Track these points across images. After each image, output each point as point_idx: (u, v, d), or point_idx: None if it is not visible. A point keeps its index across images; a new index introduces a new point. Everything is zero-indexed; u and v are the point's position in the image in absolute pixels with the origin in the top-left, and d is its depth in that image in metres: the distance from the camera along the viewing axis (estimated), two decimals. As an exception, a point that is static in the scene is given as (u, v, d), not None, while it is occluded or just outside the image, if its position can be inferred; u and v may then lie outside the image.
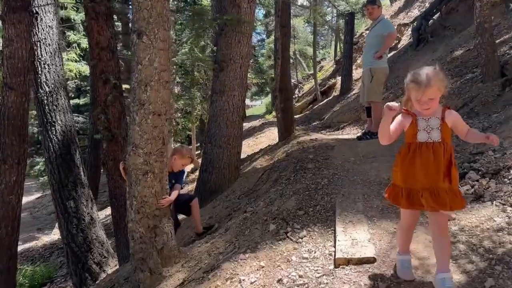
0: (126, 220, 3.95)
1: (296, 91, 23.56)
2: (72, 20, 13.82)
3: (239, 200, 5.08)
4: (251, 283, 2.86)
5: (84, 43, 12.92)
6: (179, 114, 14.92)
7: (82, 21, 11.19)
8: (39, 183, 14.95)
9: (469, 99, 5.82)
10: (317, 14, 14.62)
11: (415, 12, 15.82)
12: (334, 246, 3.02)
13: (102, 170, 14.31)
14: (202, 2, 13.57)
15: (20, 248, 12.12)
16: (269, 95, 28.71)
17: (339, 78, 16.85)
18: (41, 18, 6.95)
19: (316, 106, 17.20)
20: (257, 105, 41.90)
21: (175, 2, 12.31)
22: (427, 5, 14.49)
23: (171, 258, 3.75)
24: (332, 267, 2.82)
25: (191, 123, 15.08)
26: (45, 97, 6.88)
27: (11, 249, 5.30)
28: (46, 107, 6.89)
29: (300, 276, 2.78)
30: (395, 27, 14.99)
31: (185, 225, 5.33)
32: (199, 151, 15.47)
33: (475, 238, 2.84)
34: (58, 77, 7.09)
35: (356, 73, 15.61)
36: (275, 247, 3.27)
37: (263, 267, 3.01)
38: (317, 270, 2.82)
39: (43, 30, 6.93)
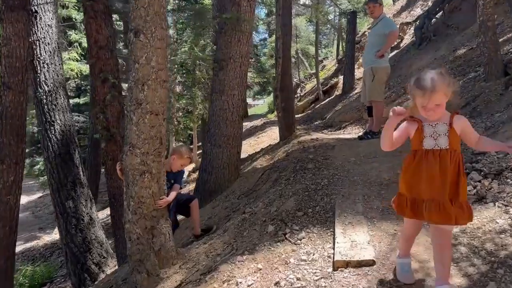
0: (123, 221, 3.91)
1: (298, 90, 23.49)
2: (74, 19, 13.81)
3: (238, 200, 5.03)
4: (248, 285, 2.81)
5: (85, 42, 12.89)
6: (181, 114, 14.89)
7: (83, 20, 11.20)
8: (39, 182, 14.96)
9: (472, 98, 5.75)
10: (318, 13, 14.55)
11: (417, 10, 15.74)
12: (333, 248, 2.97)
13: (102, 170, 14.29)
14: (204, 1, 13.51)
15: (21, 247, 12.17)
16: (271, 95, 28.63)
17: (341, 77, 16.77)
18: (41, 17, 6.91)
19: (318, 105, 17.14)
20: (259, 105, 41.87)
21: (176, 1, 12.27)
22: (430, 3, 14.40)
23: (168, 260, 3.71)
24: (330, 269, 2.76)
25: (193, 123, 15.03)
26: (44, 97, 6.84)
27: (8, 250, 5.26)
28: (45, 106, 6.85)
29: (298, 279, 2.73)
30: (398, 26, 14.99)
31: (184, 225, 5.29)
32: (200, 151, 15.44)
33: (476, 240, 2.78)
34: (58, 76, 7.05)
35: (358, 72, 15.53)
36: (273, 248, 3.22)
37: (260, 269, 2.96)
38: (315, 272, 2.77)
39: (43, 29, 6.89)
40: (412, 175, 2.26)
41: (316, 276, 2.73)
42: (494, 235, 2.79)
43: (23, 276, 8.26)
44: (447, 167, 2.14)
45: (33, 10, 6.79)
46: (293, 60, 23.76)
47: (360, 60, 15.74)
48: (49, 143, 6.80)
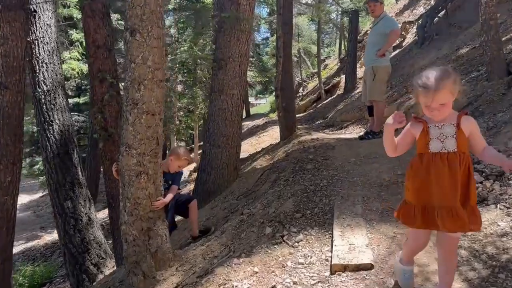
0: (119, 223, 3.87)
1: (300, 90, 23.43)
2: (75, 19, 13.75)
3: (237, 201, 4.98)
4: (244, 289, 2.76)
5: (86, 41, 12.85)
6: (182, 113, 14.86)
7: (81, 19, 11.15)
8: (39, 182, 14.96)
9: (474, 98, 5.67)
10: (320, 12, 14.48)
11: (420, 9, 15.64)
12: (331, 251, 2.92)
13: (102, 169, 14.27)
14: (205, 0, 13.46)
15: (22, 247, 12.18)
16: (273, 94, 28.56)
17: (343, 77, 16.69)
18: (39, 16, 6.85)
19: (320, 104, 17.06)
20: (262, 104, 41.82)
21: (177, 0, 12.21)
22: (432, 2, 14.30)
23: (165, 262, 3.67)
24: (328, 273, 2.72)
25: (194, 122, 15.00)
26: (42, 96, 6.79)
27: (6, 251, 5.23)
28: (44, 106, 6.80)
29: (295, 283, 2.68)
30: (400, 25, 14.92)
31: (183, 226, 5.24)
32: (201, 150, 15.42)
33: (477, 244, 2.73)
34: (56, 75, 7.00)
35: (361, 71, 15.43)
36: (270, 251, 3.17)
37: (256, 272, 2.91)
38: (312, 276, 2.72)
39: (41, 28, 6.84)
40: (421, 181, 2.09)
41: (313, 280, 2.68)
42: (496, 238, 2.73)
43: (22, 276, 8.24)
44: (456, 171, 2.00)
45: (32, 9, 6.74)
46: (295, 59, 23.70)
47: (362, 59, 15.68)
48: (47, 143, 6.76)
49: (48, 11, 7.04)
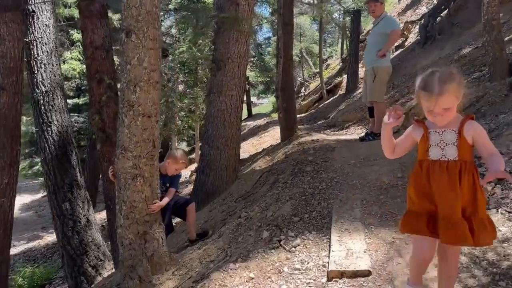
0: (115, 226, 3.83)
1: (302, 89, 23.36)
2: (76, 19, 13.73)
3: (235, 203, 4.93)
4: (239, 296, 2.72)
5: (88, 41, 12.81)
6: (183, 113, 14.81)
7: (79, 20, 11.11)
8: (39, 183, 14.96)
9: (476, 99, 5.61)
10: (321, 12, 14.40)
11: (423, 9, 15.54)
12: (328, 257, 2.87)
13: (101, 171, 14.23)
14: (206, 0, 13.41)
15: (23, 247, 12.17)
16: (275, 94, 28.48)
17: (345, 76, 16.62)
18: (38, 17, 6.81)
19: (322, 104, 16.98)
20: (264, 103, 41.74)
21: (178, 0, 12.17)
22: (435, 2, 14.21)
23: (161, 265, 3.63)
24: (324, 280, 2.66)
25: (195, 122, 14.95)
26: (41, 97, 6.75)
27: (3, 253, 5.20)
28: (42, 107, 6.76)
29: (291, 290, 2.63)
30: (402, 24, 14.85)
31: (181, 228, 5.20)
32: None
33: (478, 250, 2.66)
34: (55, 76, 6.96)
35: (363, 71, 15.31)
36: (267, 256, 3.12)
37: (252, 278, 2.87)
38: (308, 283, 2.67)
39: (40, 29, 6.80)
40: (423, 189, 1.96)
41: (309, 286, 2.63)
42: (497, 244, 2.67)
43: (22, 278, 8.22)
44: (456, 181, 1.86)
45: (30, 9, 6.70)
46: (297, 59, 23.62)
47: (363, 60, 15.60)
48: (46, 145, 6.72)
49: (47, 11, 7.00)
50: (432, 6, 13.72)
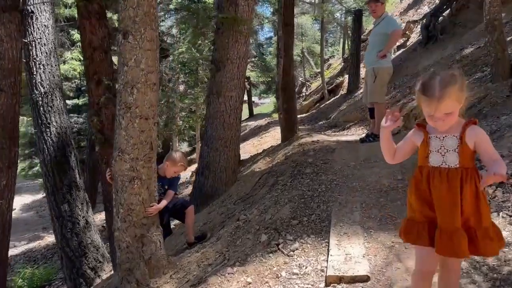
0: (112, 229, 3.80)
1: (304, 89, 23.33)
2: (76, 19, 13.72)
3: (234, 205, 4.89)
4: (236, 301, 2.68)
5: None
6: (184, 113, 14.79)
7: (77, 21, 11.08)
8: (40, 183, 14.98)
9: (477, 100, 5.56)
10: (323, 12, 14.36)
11: (424, 9, 15.49)
12: (327, 261, 2.83)
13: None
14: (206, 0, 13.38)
15: (24, 247, 12.17)
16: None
17: (347, 76, 16.57)
18: (37, 17, 6.79)
19: (323, 105, 16.96)
20: (266, 103, 41.74)
21: (179, 0, 12.12)
22: (437, 1, 14.15)
23: (159, 269, 3.60)
24: (322, 285, 2.63)
25: (196, 123, 14.94)
26: (40, 98, 6.73)
27: (1, 255, 5.17)
28: (41, 108, 6.74)
29: (288, 295, 2.59)
30: (404, 24, 14.79)
31: (180, 230, 5.17)
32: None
33: (478, 255, 2.62)
34: (54, 77, 6.93)
35: (364, 71, 15.31)
36: (265, 260, 3.08)
37: (250, 283, 2.83)
38: (306, 288, 2.63)
39: (39, 30, 6.77)
40: (423, 196, 1.88)
41: (307, 292, 2.59)
42: (497, 249, 2.62)
43: (22, 279, 8.22)
44: (456, 189, 1.78)
45: (29, 10, 6.68)
46: (298, 59, 23.59)
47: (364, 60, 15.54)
48: (44, 146, 6.69)
49: (46, 12, 6.98)
50: (434, 6, 13.66)
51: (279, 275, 2.84)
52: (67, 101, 15.13)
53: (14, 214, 16.45)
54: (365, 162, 4.74)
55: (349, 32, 19.64)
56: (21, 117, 15.26)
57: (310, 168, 4.78)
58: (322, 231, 3.32)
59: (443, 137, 1.83)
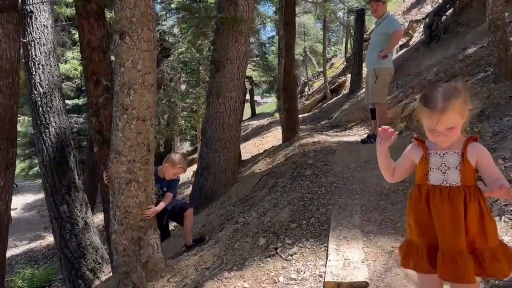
0: (109, 231, 3.76)
1: (306, 89, 23.27)
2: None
3: (234, 207, 4.85)
4: (232, 307, 2.63)
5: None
6: (185, 113, 14.76)
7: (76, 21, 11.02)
8: (39, 184, 14.99)
9: (480, 101, 5.49)
10: (325, 11, 14.29)
11: (428, 8, 15.41)
12: (325, 266, 2.77)
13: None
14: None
15: (25, 247, 12.17)
16: (278, 94, 28.31)
17: (349, 76, 16.51)
18: (36, 17, 6.75)
19: (326, 104, 16.91)
20: (268, 102, 41.73)
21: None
22: (440, 0, 14.06)
23: (156, 272, 3.56)
24: (320, 291, 2.57)
25: (197, 122, 14.91)
26: (39, 98, 6.69)
27: (-1, 257, 5.15)
28: (40, 108, 6.70)
29: (285, 301, 2.54)
30: (407, 24, 14.72)
31: (179, 232, 5.13)
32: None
33: (480, 261, 2.56)
34: (53, 77, 6.89)
35: (366, 71, 15.25)
36: (263, 264, 3.03)
37: (246, 288, 2.78)
38: (304, 294, 2.58)
39: (38, 30, 6.74)
40: (421, 217, 1.77)
41: (305, 298, 2.54)
42: (499, 255, 2.57)
43: (22, 279, 8.19)
44: (459, 208, 1.67)
45: (28, 10, 6.65)
46: (301, 58, 23.54)
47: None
48: (43, 146, 6.66)
49: (45, 12, 6.94)
50: (437, 5, 13.58)
51: (277, 281, 2.79)
52: (68, 101, 15.14)
53: (16, 213, 16.55)
54: (366, 164, 4.68)
55: (351, 31, 19.55)
56: (22, 117, 15.30)
57: (310, 169, 4.73)
58: (321, 235, 3.27)
59: (444, 154, 1.74)
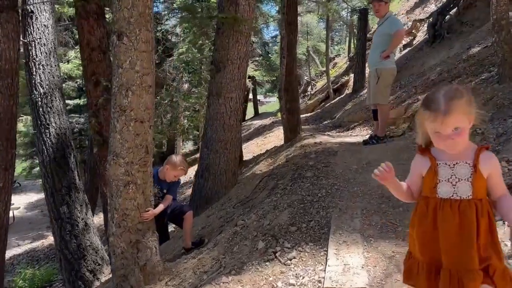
0: (107, 234, 3.73)
1: (309, 88, 23.19)
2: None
3: (233, 209, 4.80)
4: (229, 313, 2.59)
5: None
6: (188, 113, 14.74)
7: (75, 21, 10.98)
8: (39, 185, 15.01)
9: (483, 102, 5.42)
10: (327, 10, 14.21)
11: (431, 7, 15.31)
12: (325, 271, 2.73)
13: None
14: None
15: (27, 247, 12.19)
16: (281, 93, 28.23)
17: (352, 75, 16.42)
18: (36, 17, 6.72)
19: (328, 104, 16.82)
20: (271, 102, 41.69)
21: (183, -1, 12.06)
22: (444, 0, 13.97)
23: (154, 275, 3.53)
24: (319, 297, 2.53)
25: (200, 122, 14.88)
26: (39, 99, 6.66)
27: (-2, 257, 5.13)
28: (40, 109, 6.67)
29: (283, 308, 2.49)
30: (411, 23, 14.62)
31: (178, 234, 5.09)
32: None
33: (482, 267, 2.50)
34: (53, 78, 6.85)
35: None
36: (261, 269, 2.99)
37: (244, 293, 2.73)
38: (302, 300, 2.53)
39: (38, 30, 6.70)
40: (426, 231, 1.67)
41: (303, 304, 2.49)
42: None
43: (23, 280, 8.19)
44: (470, 223, 1.56)
45: (29, 10, 6.62)
46: (304, 57, 23.46)
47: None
48: (43, 147, 6.63)
49: (46, 12, 6.90)
50: (441, 4, 13.48)
51: (275, 286, 2.75)
52: (69, 101, 15.16)
53: (19, 212, 16.59)
54: (368, 165, 4.63)
55: (354, 30, 19.47)
56: (24, 117, 15.32)
57: (311, 171, 4.67)
58: (321, 239, 3.22)
59: (454, 165, 1.62)
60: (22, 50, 6.19)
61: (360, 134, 8.59)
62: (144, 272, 3.47)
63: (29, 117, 14.42)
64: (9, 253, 10.91)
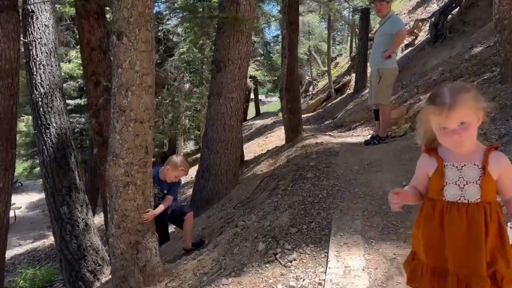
0: (107, 235, 3.72)
1: (311, 88, 23.15)
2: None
3: (234, 210, 4.78)
4: (229, 316, 2.57)
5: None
6: (189, 112, 14.72)
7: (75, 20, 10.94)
8: (40, 185, 15.03)
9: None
10: (329, 10, 14.18)
11: (433, 7, 15.25)
12: (325, 274, 2.70)
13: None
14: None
15: (28, 246, 12.20)
16: (282, 93, 28.17)
17: (354, 75, 16.38)
18: (37, 17, 6.70)
19: (330, 104, 16.78)
20: (273, 102, 41.62)
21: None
22: (446, -1, 13.93)
23: (154, 276, 3.51)
24: (319, 300, 2.50)
25: (201, 122, 14.86)
26: (39, 99, 6.64)
27: (-2, 257, 5.12)
28: (41, 109, 6.65)
29: (283, 310, 2.47)
30: (413, 22, 14.58)
31: (179, 235, 5.07)
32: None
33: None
34: (54, 77, 6.83)
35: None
36: (261, 271, 2.97)
37: (244, 296, 2.71)
38: (302, 303, 2.51)
39: (39, 29, 6.68)
40: (432, 234, 1.60)
41: (303, 307, 2.47)
42: (505, 263, 2.48)
43: (23, 280, 8.18)
44: (478, 227, 1.50)
45: (30, 9, 6.60)
46: (305, 57, 23.41)
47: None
48: (44, 147, 6.61)
49: (46, 11, 6.88)
50: (443, 4, 13.43)
51: (275, 288, 2.72)
52: (70, 101, 15.15)
53: (20, 212, 16.59)
54: (369, 166, 4.60)
55: (356, 30, 19.42)
56: (24, 117, 15.32)
57: (312, 172, 4.65)
58: (322, 240, 3.19)
59: (462, 166, 1.55)
60: (22, 50, 6.18)
61: (361, 134, 8.56)
62: (144, 273, 3.46)
63: (30, 117, 14.44)
64: (10, 253, 10.93)
